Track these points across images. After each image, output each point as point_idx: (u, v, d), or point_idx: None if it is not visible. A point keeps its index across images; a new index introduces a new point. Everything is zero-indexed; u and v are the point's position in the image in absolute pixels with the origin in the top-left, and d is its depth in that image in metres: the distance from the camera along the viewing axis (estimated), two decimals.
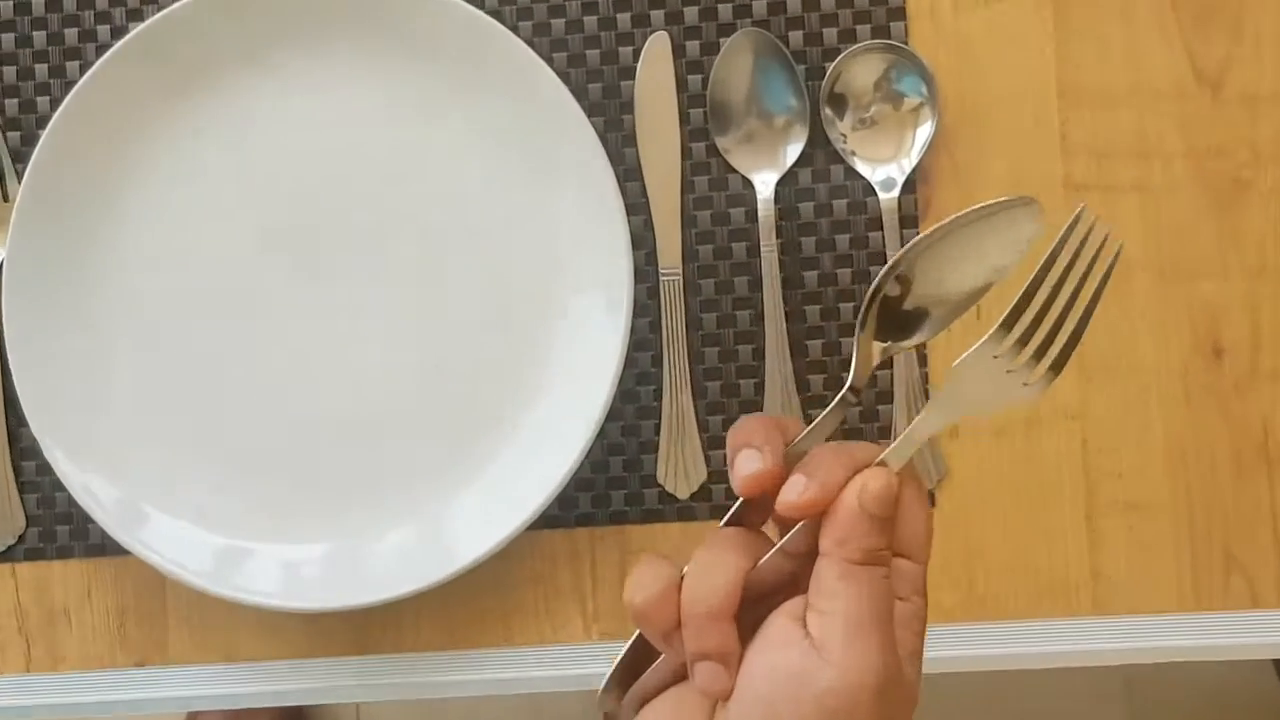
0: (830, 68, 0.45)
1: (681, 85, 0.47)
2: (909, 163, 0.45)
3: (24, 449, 0.48)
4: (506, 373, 0.46)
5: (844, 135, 0.45)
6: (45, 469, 0.47)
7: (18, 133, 0.49)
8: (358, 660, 0.47)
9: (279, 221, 0.47)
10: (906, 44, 0.46)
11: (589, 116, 0.45)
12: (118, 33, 0.48)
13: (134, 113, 0.46)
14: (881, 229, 0.46)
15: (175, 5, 0.45)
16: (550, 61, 0.45)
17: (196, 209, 0.46)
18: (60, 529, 0.48)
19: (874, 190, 0.46)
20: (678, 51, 0.47)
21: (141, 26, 0.45)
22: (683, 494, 0.47)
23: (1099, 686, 1.08)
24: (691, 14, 0.47)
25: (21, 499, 0.48)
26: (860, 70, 0.45)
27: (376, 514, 0.46)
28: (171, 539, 0.45)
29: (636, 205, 0.47)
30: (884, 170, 0.46)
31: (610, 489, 0.47)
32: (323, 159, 0.47)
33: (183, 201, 0.47)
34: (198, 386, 0.47)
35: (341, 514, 0.46)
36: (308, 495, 0.46)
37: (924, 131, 0.45)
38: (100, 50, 0.46)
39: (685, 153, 0.47)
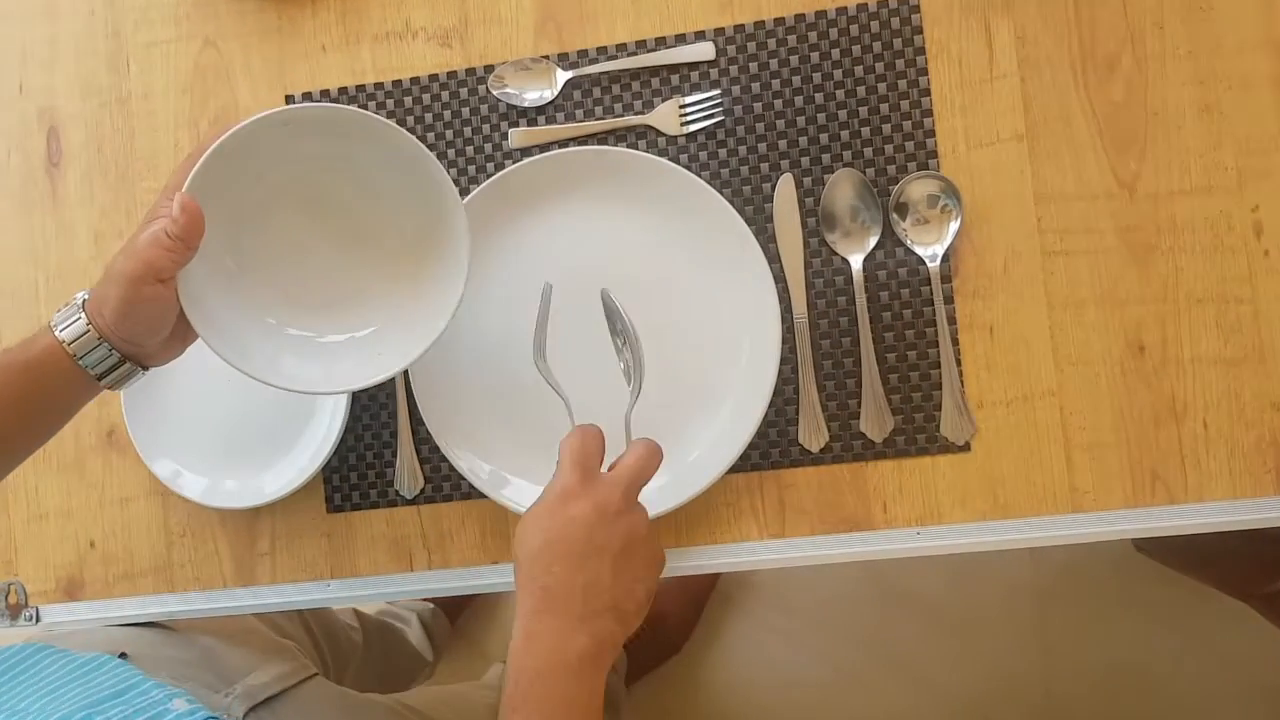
0: (895, 189, 0.76)
1: (801, 204, 0.78)
2: (943, 245, 0.75)
3: (420, 437, 0.81)
4: (709, 390, 0.77)
5: (906, 229, 0.75)
6: (434, 449, 0.80)
7: None
8: None
9: (566, 284, 0.79)
10: (940, 171, 0.76)
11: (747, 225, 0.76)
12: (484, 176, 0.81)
13: (492, 219, 0.79)
14: (929, 284, 0.76)
15: (514, 168, 0.78)
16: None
17: (518, 280, 0.79)
18: (444, 484, 0.81)
19: (923, 261, 0.76)
20: (798, 182, 0.78)
21: (503, 173, 0.78)
22: (814, 449, 0.77)
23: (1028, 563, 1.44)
24: (804, 161, 0.78)
25: (420, 467, 0.81)
26: (914, 189, 0.75)
27: None
28: (523, 492, 0.77)
29: (777, 278, 0.77)
30: (930, 250, 0.75)
31: (770, 447, 0.78)
32: (588, 256, 0.79)
33: (514, 271, 0.79)
34: (521, 396, 0.79)
35: None
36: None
37: (954, 225, 0.75)
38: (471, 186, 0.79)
39: (806, 244, 0.78)
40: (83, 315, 0.65)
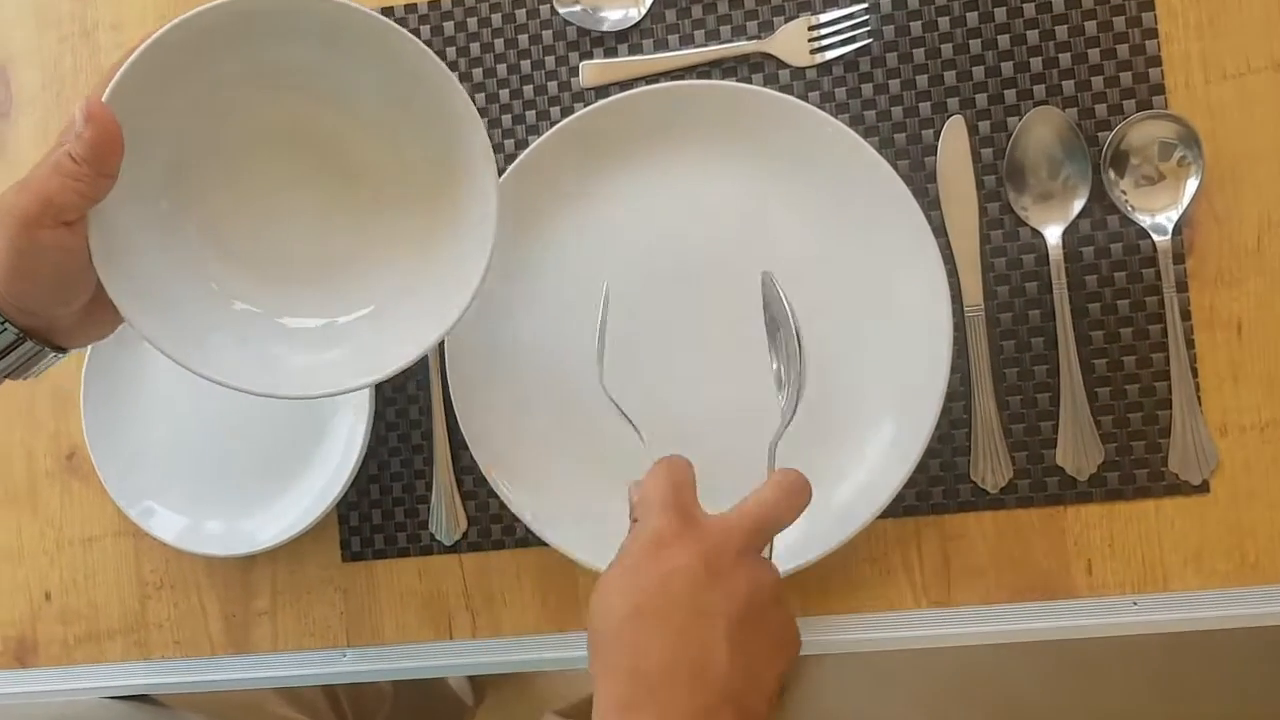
0: (1110, 134, 0.56)
1: (976, 157, 0.58)
2: (1176, 212, 0.55)
3: (463, 467, 0.62)
4: (849, 406, 0.58)
5: (1124, 191, 0.55)
6: (480, 481, 0.61)
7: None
8: None
9: (654, 273, 0.60)
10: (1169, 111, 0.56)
11: None
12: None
13: (556, 184, 0.60)
14: (1155, 266, 0.56)
15: (595, 106, 0.59)
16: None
17: (592, 267, 0.60)
18: (494, 527, 0.62)
19: (1146, 234, 0.56)
20: (971, 128, 0.58)
21: (569, 121, 0.59)
22: (993, 489, 0.57)
23: None
24: (981, 99, 0.58)
25: (463, 504, 0.62)
26: (1139, 135, 0.55)
27: None
28: (599, 541, 0.58)
29: (943, 257, 0.58)
30: (1157, 218, 0.55)
31: (931, 486, 0.58)
32: (685, 235, 0.60)
33: (587, 256, 0.60)
34: (599, 418, 0.60)
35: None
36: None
37: (1192, 184, 0.55)
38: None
39: (982, 212, 0.58)
40: None
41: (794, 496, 0.47)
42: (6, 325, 0.46)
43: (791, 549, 0.56)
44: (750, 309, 0.58)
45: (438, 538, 0.62)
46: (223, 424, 0.63)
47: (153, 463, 0.64)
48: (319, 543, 0.64)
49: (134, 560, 0.66)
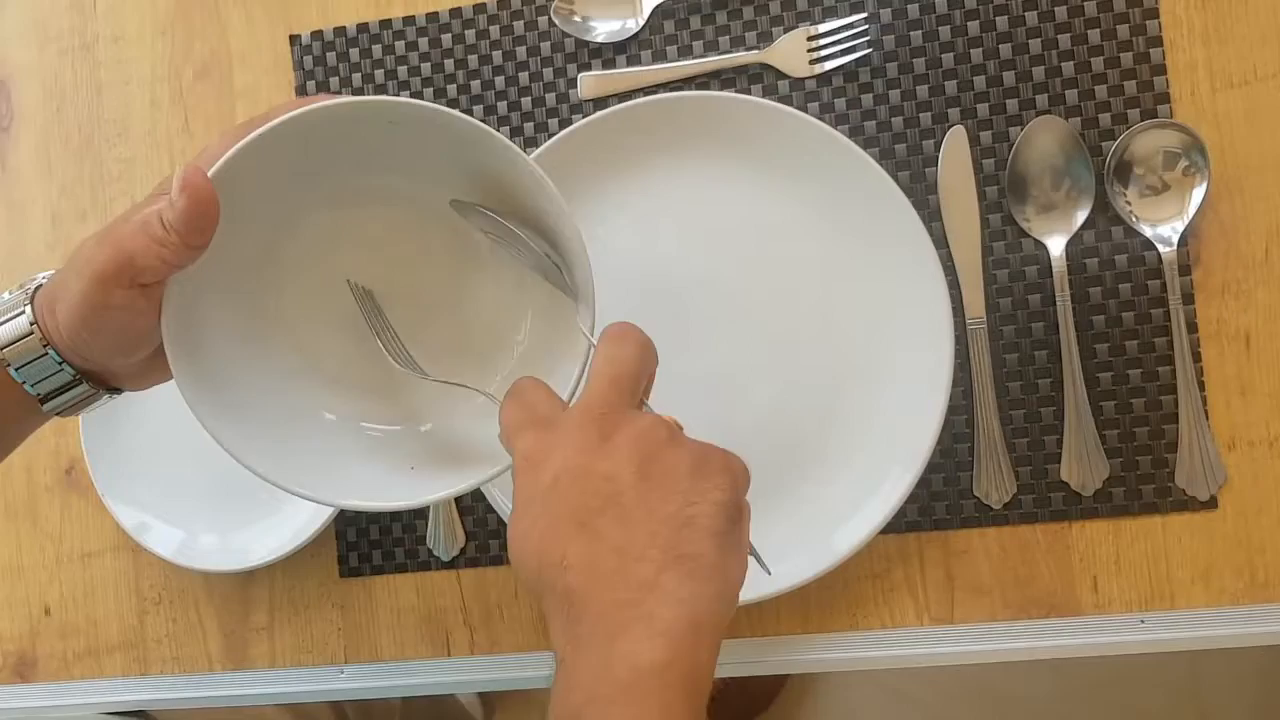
0: (1115, 144, 0.55)
1: (977, 168, 0.57)
2: (1182, 223, 0.54)
3: None
4: (850, 420, 0.57)
5: (1129, 201, 0.55)
6: (478, 496, 0.61)
7: None
8: (734, 642, 0.59)
9: (649, 287, 0.59)
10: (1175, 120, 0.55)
11: None
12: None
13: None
14: (1161, 278, 0.55)
15: (608, 111, 0.58)
16: None
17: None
18: (492, 542, 0.62)
19: (1151, 246, 0.55)
20: (973, 138, 0.57)
21: (566, 132, 0.58)
22: (996, 504, 0.56)
23: None
24: (983, 109, 0.57)
25: (461, 520, 0.62)
26: (1143, 145, 0.54)
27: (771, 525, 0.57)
28: None
29: (945, 269, 0.57)
30: (1162, 229, 0.54)
31: (933, 501, 0.57)
32: (700, 231, 0.59)
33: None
34: None
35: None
36: None
37: (1198, 194, 0.54)
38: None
39: (983, 223, 0.57)
40: (27, 309, 0.46)
41: (626, 338, 0.42)
42: (64, 366, 0.46)
43: (793, 566, 0.55)
44: (751, 325, 0.57)
45: (436, 553, 0.62)
46: None
47: (149, 477, 0.63)
48: (317, 559, 0.64)
49: (133, 575, 0.66)
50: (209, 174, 0.42)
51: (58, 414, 0.48)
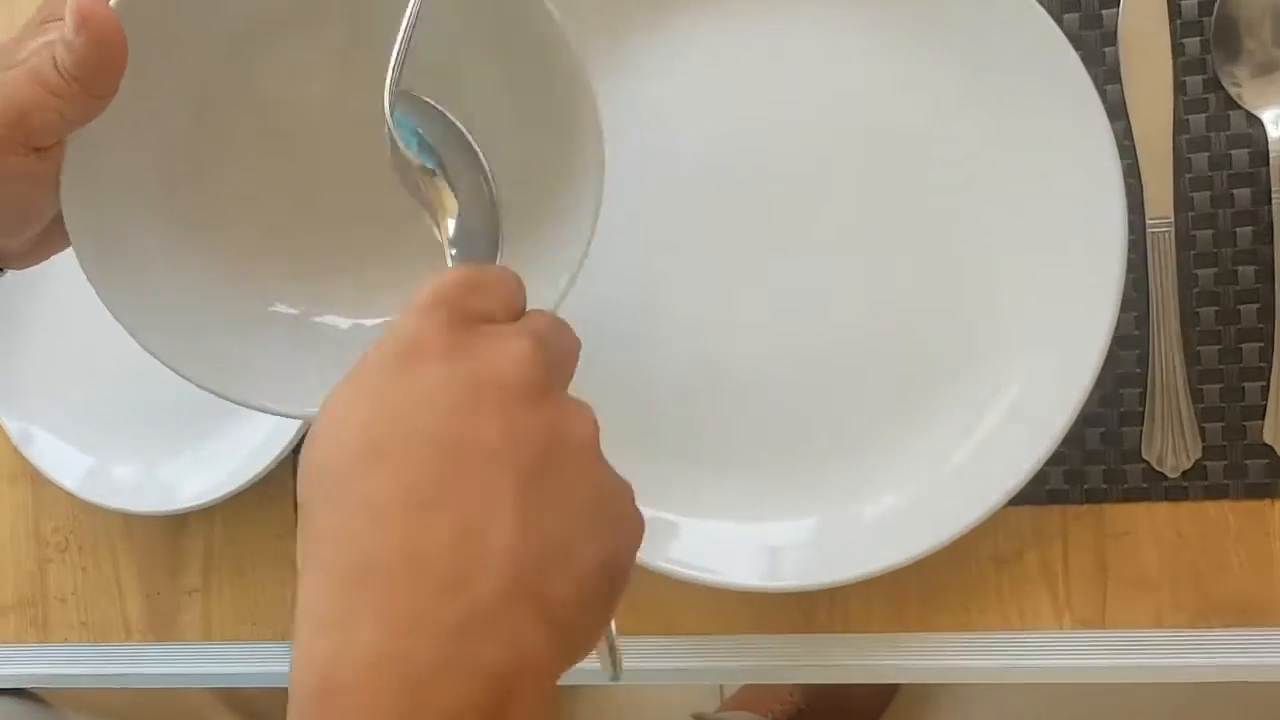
0: None
1: (1174, 12, 0.42)
2: None
3: None
4: (976, 349, 0.43)
5: None
6: None
7: None
8: (805, 639, 0.45)
9: (729, 161, 0.45)
10: None
11: None
12: None
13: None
14: None
15: None
16: None
17: (655, 163, 0.45)
18: None
19: None
20: None
21: None
22: (1172, 471, 0.42)
23: None
24: None
25: None
26: None
27: (856, 486, 0.43)
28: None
29: (1121, 149, 0.42)
30: None
31: (1086, 464, 0.43)
32: (768, 114, 0.44)
33: (643, 144, 0.45)
34: (647, 372, 0.45)
35: (822, 490, 0.44)
36: (779, 474, 0.44)
37: None
38: None
39: (1178, 88, 0.42)
40: None
41: (554, 331, 0.32)
42: None
43: (883, 539, 0.41)
44: (847, 224, 0.43)
45: None
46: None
47: (48, 381, 0.50)
48: (267, 504, 0.50)
49: (32, 512, 0.53)
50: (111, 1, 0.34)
51: None
